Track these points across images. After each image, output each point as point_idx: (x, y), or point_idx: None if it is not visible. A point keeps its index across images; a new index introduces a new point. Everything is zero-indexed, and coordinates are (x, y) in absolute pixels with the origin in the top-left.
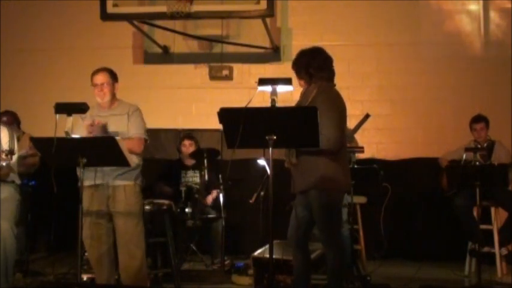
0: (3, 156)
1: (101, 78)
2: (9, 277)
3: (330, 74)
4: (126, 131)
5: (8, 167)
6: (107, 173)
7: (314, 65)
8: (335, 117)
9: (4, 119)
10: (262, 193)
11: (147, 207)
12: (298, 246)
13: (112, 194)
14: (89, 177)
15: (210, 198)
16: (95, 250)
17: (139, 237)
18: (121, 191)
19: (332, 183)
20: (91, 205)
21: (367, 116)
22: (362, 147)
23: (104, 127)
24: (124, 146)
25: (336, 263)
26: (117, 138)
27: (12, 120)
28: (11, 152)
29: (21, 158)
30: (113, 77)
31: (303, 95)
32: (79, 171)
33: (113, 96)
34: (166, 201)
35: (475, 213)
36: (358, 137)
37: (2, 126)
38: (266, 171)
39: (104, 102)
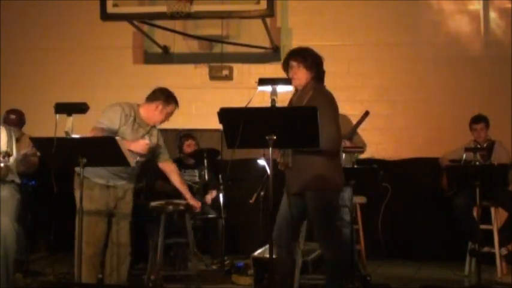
0: (0, 158)
1: (174, 111)
2: (9, 274)
3: (323, 74)
4: (160, 145)
5: (5, 168)
6: (128, 175)
7: (321, 64)
8: (334, 118)
9: (12, 116)
10: (262, 193)
11: (166, 207)
12: (286, 247)
13: (123, 195)
14: (102, 176)
15: (209, 198)
16: (94, 248)
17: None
18: (130, 193)
19: (329, 183)
20: (101, 203)
21: (366, 114)
22: (362, 148)
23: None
24: (124, 145)
25: (334, 263)
26: (117, 138)
27: (18, 120)
28: (7, 154)
29: (23, 157)
30: None
31: (298, 96)
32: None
33: None
34: (184, 202)
35: (475, 213)
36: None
37: (1, 127)
38: (266, 171)
39: (153, 123)
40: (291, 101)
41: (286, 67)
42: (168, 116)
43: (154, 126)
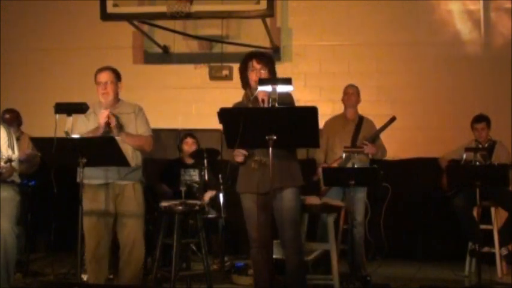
0: (2, 163)
1: (105, 76)
2: (10, 277)
3: None
4: (135, 130)
5: (9, 171)
6: (116, 171)
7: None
8: None
9: (7, 116)
10: None
11: (179, 207)
12: (266, 246)
13: (121, 192)
14: (99, 176)
15: (207, 195)
16: (98, 249)
17: (142, 237)
18: (130, 189)
19: (301, 181)
20: (99, 204)
21: (393, 119)
22: (362, 148)
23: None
24: (123, 146)
25: (299, 262)
26: (117, 138)
27: (14, 119)
28: (9, 160)
29: (27, 158)
30: (117, 76)
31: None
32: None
33: (116, 96)
34: (198, 202)
35: (475, 213)
36: None
37: (1, 126)
38: None
39: (107, 101)
40: (241, 103)
41: (244, 67)
42: (99, 84)
43: (121, 104)
